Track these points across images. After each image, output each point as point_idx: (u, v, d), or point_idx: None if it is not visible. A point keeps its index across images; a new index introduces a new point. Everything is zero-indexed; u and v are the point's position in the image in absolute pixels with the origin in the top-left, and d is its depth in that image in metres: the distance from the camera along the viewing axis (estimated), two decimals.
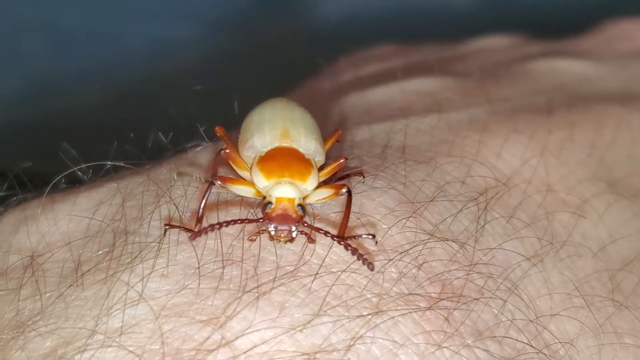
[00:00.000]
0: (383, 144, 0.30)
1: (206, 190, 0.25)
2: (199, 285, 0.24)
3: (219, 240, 0.25)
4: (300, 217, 0.25)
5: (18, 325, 0.24)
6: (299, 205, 0.25)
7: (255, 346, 0.23)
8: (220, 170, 0.28)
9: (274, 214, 0.24)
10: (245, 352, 0.22)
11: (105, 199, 0.28)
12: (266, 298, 0.23)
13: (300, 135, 0.26)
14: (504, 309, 0.25)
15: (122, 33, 0.50)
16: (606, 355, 0.27)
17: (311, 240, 0.24)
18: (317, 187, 0.26)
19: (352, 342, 0.23)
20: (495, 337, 0.25)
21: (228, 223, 0.24)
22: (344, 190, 0.25)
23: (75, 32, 0.50)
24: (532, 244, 0.28)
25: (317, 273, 0.24)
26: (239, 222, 0.24)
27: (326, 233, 0.24)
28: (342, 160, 0.27)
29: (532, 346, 0.25)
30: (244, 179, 0.26)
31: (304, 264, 0.24)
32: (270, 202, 0.25)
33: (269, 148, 0.26)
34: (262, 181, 0.25)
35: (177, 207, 0.26)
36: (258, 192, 0.26)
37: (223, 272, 0.24)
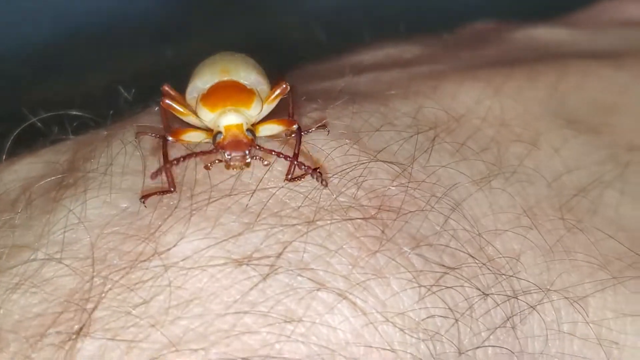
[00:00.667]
0: (338, 90, 0.30)
1: (164, 147, 0.26)
2: (138, 208, 0.24)
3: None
4: (251, 141, 0.25)
5: None
6: (248, 130, 0.25)
7: (187, 257, 0.23)
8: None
9: (225, 142, 0.25)
10: (176, 263, 0.23)
11: (65, 149, 0.28)
12: (201, 214, 0.24)
13: (238, 69, 0.27)
14: (445, 224, 0.25)
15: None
16: (555, 272, 0.26)
17: (267, 163, 0.25)
18: (267, 122, 0.26)
19: (282, 250, 0.23)
20: (432, 245, 0.25)
21: (184, 158, 0.25)
22: (294, 126, 0.26)
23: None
24: (481, 170, 0.28)
25: (254, 190, 0.25)
26: (193, 156, 0.25)
27: (279, 154, 0.25)
28: (283, 85, 0.27)
29: (473, 257, 0.25)
30: (193, 126, 0.27)
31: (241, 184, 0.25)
32: (219, 132, 0.25)
33: (210, 84, 0.27)
34: (207, 115, 0.26)
35: (125, 146, 0.27)
36: (209, 134, 0.26)
37: (162, 196, 0.25)
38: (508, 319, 0.25)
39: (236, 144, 0.25)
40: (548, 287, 0.26)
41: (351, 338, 0.23)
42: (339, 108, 0.28)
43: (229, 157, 0.25)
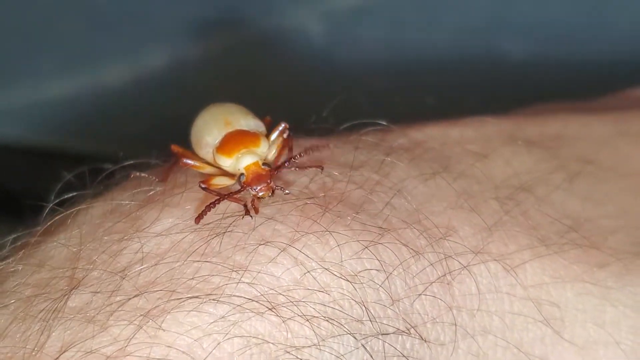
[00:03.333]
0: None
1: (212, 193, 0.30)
2: (129, 205, 0.30)
3: None
4: (269, 172, 0.29)
5: None
6: (264, 164, 0.30)
7: (159, 234, 0.28)
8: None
9: (249, 179, 0.29)
10: (149, 238, 0.28)
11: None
12: (174, 204, 0.29)
13: (238, 120, 0.32)
14: (388, 204, 0.29)
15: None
16: (492, 242, 0.29)
17: (288, 192, 0.29)
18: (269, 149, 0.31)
19: (235, 220, 0.28)
20: (371, 214, 0.28)
21: (219, 201, 0.28)
22: (285, 134, 0.31)
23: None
24: (429, 171, 0.31)
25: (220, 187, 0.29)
26: (226, 197, 0.29)
27: (284, 164, 0.30)
28: (282, 126, 0.31)
29: (409, 224, 0.28)
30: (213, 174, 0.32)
31: None
32: (242, 174, 0.30)
33: (219, 138, 0.31)
34: (226, 161, 0.30)
35: None
36: (231, 177, 0.31)
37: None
38: (442, 276, 0.28)
39: (258, 178, 0.29)
40: (481, 251, 0.29)
41: (292, 285, 0.26)
42: (316, 141, 0.32)
43: (256, 190, 0.29)
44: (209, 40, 0.57)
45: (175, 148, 0.32)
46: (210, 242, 0.27)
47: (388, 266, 0.27)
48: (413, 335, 0.27)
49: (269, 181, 0.29)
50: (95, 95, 0.57)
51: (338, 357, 0.26)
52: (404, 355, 0.27)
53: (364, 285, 0.27)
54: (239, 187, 0.29)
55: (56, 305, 0.26)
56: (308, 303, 0.26)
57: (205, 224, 0.28)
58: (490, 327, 0.28)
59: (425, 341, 0.27)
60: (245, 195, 0.29)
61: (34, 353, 0.25)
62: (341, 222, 0.28)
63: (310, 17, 0.56)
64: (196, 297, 0.26)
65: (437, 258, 0.28)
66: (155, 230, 0.28)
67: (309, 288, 0.26)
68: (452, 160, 0.32)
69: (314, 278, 0.27)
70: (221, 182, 0.30)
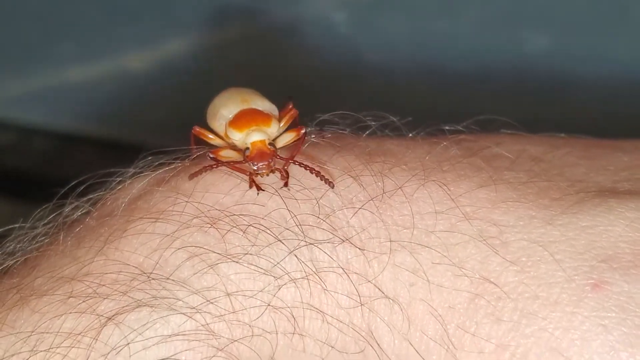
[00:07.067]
0: None
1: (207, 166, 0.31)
2: None
3: None
4: (273, 152, 0.31)
5: None
6: (270, 144, 0.31)
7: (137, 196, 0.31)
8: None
9: (252, 155, 0.31)
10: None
11: None
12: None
13: (255, 99, 0.33)
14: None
15: None
16: (441, 173, 0.30)
17: (285, 177, 0.30)
18: (281, 135, 0.32)
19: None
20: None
21: (220, 164, 0.30)
22: (302, 131, 0.32)
23: None
24: None
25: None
26: (226, 164, 0.31)
27: (295, 162, 0.31)
28: (292, 111, 0.33)
29: (355, 156, 0.31)
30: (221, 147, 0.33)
31: None
32: (248, 148, 0.31)
33: (234, 112, 0.33)
34: (236, 135, 0.32)
35: None
36: (238, 152, 0.32)
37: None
38: (380, 195, 0.29)
39: (261, 155, 0.30)
40: (423, 176, 0.30)
41: (231, 203, 0.29)
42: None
43: (257, 166, 0.30)
44: (230, 27, 0.58)
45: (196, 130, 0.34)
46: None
47: (324, 185, 0.29)
48: (347, 247, 0.28)
49: (270, 160, 0.30)
50: (116, 81, 0.58)
51: (273, 264, 0.28)
52: (340, 266, 0.28)
53: (298, 200, 0.29)
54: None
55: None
56: (244, 217, 0.29)
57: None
58: (428, 243, 0.28)
59: (360, 250, 0.28)
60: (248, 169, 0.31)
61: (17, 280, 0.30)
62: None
63: (332, 5, 0.56)
64: (147, 218, 0.29)
65: (376, 180, 0.30)
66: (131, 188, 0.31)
67: (245, 204, 0.29)
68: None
69: (252, 196, 0.29)
70: (228, 154, 0.32)
